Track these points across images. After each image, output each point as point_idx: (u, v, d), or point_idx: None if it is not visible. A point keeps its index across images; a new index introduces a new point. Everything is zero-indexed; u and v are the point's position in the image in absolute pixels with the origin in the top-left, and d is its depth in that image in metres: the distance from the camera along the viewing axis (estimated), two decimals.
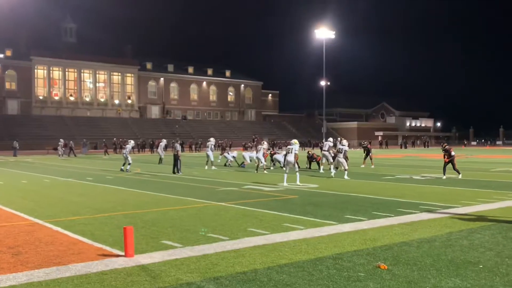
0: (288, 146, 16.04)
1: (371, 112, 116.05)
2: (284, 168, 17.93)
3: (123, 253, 6.29)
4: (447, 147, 18.47)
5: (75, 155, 43.55)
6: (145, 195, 13.07)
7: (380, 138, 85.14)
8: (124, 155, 22.11)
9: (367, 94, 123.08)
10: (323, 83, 72.27)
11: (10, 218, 9.29)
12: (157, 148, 34.09)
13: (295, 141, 16.24)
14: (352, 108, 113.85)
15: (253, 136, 62.92)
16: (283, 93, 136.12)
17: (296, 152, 15.56)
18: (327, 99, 76.85)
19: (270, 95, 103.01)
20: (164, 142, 31.21)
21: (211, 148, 24.00)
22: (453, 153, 18.13)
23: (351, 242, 7.04)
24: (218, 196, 12.52)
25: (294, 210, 10.00)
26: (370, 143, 26.86)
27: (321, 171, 21.89)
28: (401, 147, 73.10)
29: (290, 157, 15.25)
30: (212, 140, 24.94)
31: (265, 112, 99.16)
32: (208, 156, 23.97)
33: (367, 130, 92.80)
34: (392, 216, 9.23)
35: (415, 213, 9.66)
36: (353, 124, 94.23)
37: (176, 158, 20.55)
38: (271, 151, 24.63)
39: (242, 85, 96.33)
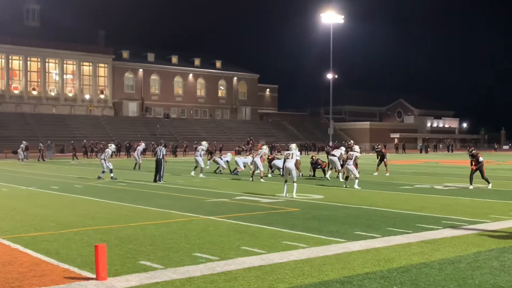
0: (287, 151, 15.98)
1: (386, 110, 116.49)
2: (283, 176, 18.20)
3: (94, 276, 6.27)
4: (474, 152, 18.56)
5: (43, 159, 43.58)
6: (120, 207, 13.04)
7: (396, 140, 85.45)
8: (102, 161, 22.23)
9: (382, 89, 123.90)
10: (329, 76, 72.46)
11: None
12: (134, 151, 34.14)
13: (294, 145, 16.29)
14: (364, 105, 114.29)
15: (248, 138, 63.03)
16: (283, 88, 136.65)
17: (298, 157, 15.53)
18: (335, 95, 77.12)
19: (267, 90, 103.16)
20: (142, 145, 31.20)
21: (200, 154, 24.07)
22: (481, 159, 18.21)
23: (362, 263, 7.03)
24: (206, 209, 12.51)
25: (295, 226, 10.00)
26: (385, 146, 26.96)
27: (328, 178, 21.98)
28: (420, 152, 73.38)
29: (290, 163, 15.15)
30: (204, 144, 25.05)
31: (262, 110, 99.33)
32: (197, 161, 24.01)
33: (381, 132, 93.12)
34: (410, 233, 9.24)
35: (437, 229, 9.68)
36: (365, 125, 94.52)
37: (159, 164, 20.48)
38: (269, 156, 24.64)
39: (235, 78, 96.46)
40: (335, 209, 12.47)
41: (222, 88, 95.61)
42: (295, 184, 15.21)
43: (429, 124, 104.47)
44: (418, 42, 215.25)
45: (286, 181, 15.38)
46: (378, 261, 7.12)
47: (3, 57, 74.51)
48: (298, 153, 20.04)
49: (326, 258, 7.32)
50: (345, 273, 6.48)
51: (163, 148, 21.02)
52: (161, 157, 20.50)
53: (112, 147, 23.12)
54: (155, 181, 20.28)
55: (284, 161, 15.73)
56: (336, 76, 75.04)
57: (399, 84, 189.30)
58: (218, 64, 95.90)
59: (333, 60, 69.99)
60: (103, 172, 22.12)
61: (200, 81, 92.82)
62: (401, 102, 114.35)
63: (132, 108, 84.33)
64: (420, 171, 29.31)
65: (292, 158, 15.30)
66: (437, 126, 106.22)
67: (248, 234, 9.11)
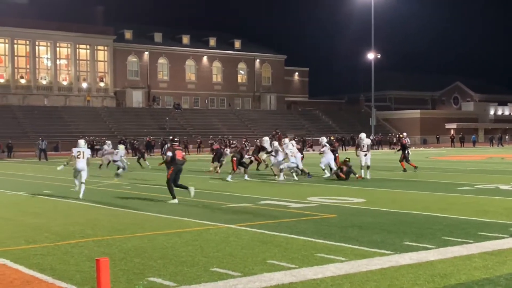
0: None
1: (440, 96, 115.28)
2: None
3: None
4: None
5: (46, 159, 44.30)
6: (125, 214, 13.18)
7: (452, 132, 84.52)
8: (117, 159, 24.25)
9: (434, 71, 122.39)
10: (371, 56, 71.98)
11: None
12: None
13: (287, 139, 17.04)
14: (413, 90, 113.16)
15: (274, 131, 63.04)
16: (314, 71, 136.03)
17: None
18: (377, 79, 76.51)
19: (296, 74, 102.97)
20: (109, 143, 32.03)
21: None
22: None
23: (413, 279, 6.99)
24: (225, 216, 12.57)
25: (331, 235, 9.99)
26: (405, 136, 27.43)
27: (368, 176, 22.01)
28: (474, 145, 72.30)
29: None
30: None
31: (289, 98, 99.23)
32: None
33: (435, 121, 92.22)
34: (471, 243, 9.17)
35: (503, 238, 9.59)
36: (415, 113, 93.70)
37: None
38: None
39: (258, 61, 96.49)
40: (379, 215, 12.42)
41: (242, 72, 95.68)
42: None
43: (492, 112, 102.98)
44: (476, 13, 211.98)
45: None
46: (432, 277, 7.07)
47: None
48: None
49: (369, 273, 7.29)
50: None
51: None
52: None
53: (108, 143, 24.18)
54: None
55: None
56: (379, 56, 74.50)
57: (455, 65, 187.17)
58: (237, 44, 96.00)
59: (375, 38, 69.51)
60: (123, 169, 24.31)
61: (216, 64, 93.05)
62: (458, 86, 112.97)
63: (136, 98, 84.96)
64: (482, 168, 28.98)
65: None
66: (502, 113, 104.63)
67: (275, 245, 9.12)
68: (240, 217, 12.32)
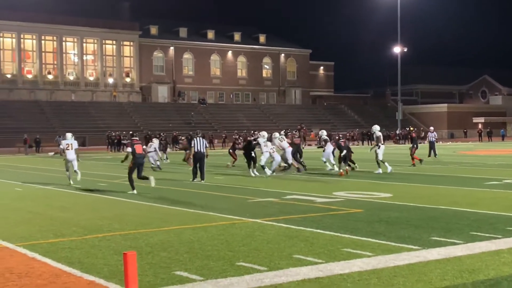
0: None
1: (467, 89, 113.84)
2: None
3: None
4: None
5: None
6: (151, 208, 13.28)
7: (480, 126, 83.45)
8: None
9: (461, 64, 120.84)
10: (397, 50, 71.40)
11: None
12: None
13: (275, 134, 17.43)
14: (440, 84, 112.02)
15: (299, 126, 62.92)
16: (340, 65, 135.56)
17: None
18: (404, 73, 75.91)
19: (321, 68, 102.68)
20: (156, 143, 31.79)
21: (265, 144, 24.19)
22: None
23: (440, 274, 6.95)
24: (251, 210, 12.59)
25: (358, 230, 9.96)
26: (415, 130, 27.66)
27: (388, 169, 22.16)
28: (502, 139, 71.38)
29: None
30: (263, 135, 24.26)
31: (315, 92, 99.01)
32: (272, 156, 24.18)
33: (462, 115, 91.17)
34: (499, 238, 9.08)
35: None
36: (442, 107, 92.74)
37: (201, 159, 20.20)
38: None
39: (283, 55, 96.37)
40: (407, 210, 12.35)
41: (267, 67, 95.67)
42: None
43: None
44: (505, 4, 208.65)
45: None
46: (460, 272, 7.02)
47: (14, 36, 76.72)
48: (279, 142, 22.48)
49: (397, 268, 7.26)
50: (421, 287, 6.43)
51: (203, 139, 20.70)
52: (202, 150, 20.19)
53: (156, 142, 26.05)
54: (194, 179, 20.18)
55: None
56: (406, 50, 73.86)
57: (482, 57, 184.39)
58: (262, 38, 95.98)
59: (401, 31, 68.91)
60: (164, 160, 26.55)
61: (241, 59, 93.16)
62: (486, 79, 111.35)
63: (162, 93, 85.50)
64: (511, 162, 28.57)
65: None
66: None
67: (301, 240, 9.12)
68: (266, 212, 12.32)
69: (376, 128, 23.46)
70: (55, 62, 79.62)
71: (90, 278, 7.02)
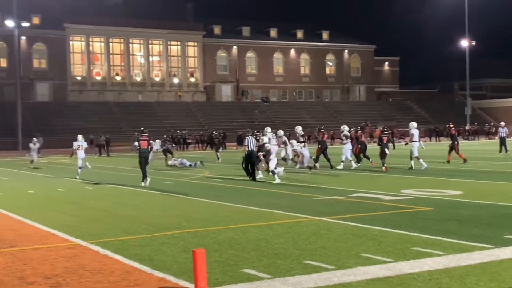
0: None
1: None
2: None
3: (192, 286, 6.51)
4: None
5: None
6: (217, 206, 13.43)
7: None
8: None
9: None
10: (465, 43, 69.54)
11: (46, 238, 9.98)
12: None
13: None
14: (510, 78, 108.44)
15: (364, 123, 62.23)
16: (405, 60, 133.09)
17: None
18: (472, 67, 73.85)
19: (386, 63, 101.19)
20: (157, 142, 31.93)
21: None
22: None
23: None
24: (316, 208, 12.55)
25: (427, 228, 9.80)
26: (453, 127, 27.02)
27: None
28: None
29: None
30: (345, 128, 24.90)
31: (379, 88, 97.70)
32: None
33: None
34: None
35: None
36: None
37: (252, 157, 20.32)
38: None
39: (346, 51, 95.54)
40: (478, 208, 12.09)
41: (331, 63, 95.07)
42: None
43: None
44: None
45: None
46: None
47: (83, 39, 79.07)
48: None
49: (469, 267, 7.14)
50: (494, 286, 6.32)
51: (253, 138, 20.86)
52: (252, 148, 20.36)
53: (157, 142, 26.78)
54: (250, 176, 20.33)
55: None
56: (474, 43, 71.83)
57: None
58: (325, 35, 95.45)
59: (469, 24, 67.03)
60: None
61: (304, 56, 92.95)
62: None
63: (226, 92, 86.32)
64: None
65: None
66: None
67: (369, 239, 9.04)
68: (332, 210, 12.26)
69: (413, 125, 23.41)
70: (122, 64, 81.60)
71: (160, 275, 7.16)
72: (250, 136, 20.76)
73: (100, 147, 46.31)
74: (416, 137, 22.76)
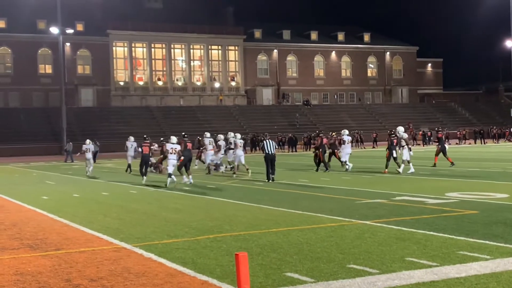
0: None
1: None
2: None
3: None
4: None
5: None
6: (259, 209, 13.43)
7: None
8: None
9: None
10: (509, 43, 68.17)
11: (91, 241, 10.14)
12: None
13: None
14: None
15: (407, 125, 61.57)
16: (448, 61, 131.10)
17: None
18: None
19: (429, 65, 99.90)
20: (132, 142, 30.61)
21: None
22: None
23: None
24: (359, 212, 12.46)
25: (474, 232, 9.64)
26: (442, 130, 27.43)
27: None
28: None
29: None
30: (401, 130, 23.86)
31: (422, 90, 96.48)
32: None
33: None
34: None
35: None
36: None
37: (272, 160, 21.15)
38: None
39: (388, 53, 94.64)
40: None
41: (372, 66, 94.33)
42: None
43: None
44: None
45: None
46: None
47: (125, 45, 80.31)
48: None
49: None
50: None
51: (271, 141, 21.58)
52: (272, 151, 21.03)
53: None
54: (269, 179, 20.83)
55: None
56: None
57: None
58: (366, 37, 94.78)
59: None
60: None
61: (345, 59, 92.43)
62: None
63: (266, 96, 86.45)
64: None
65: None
66: None
67: (414, 243, 8.93)
68: (375, 213, 12.15)
69: (400, 129, 23.62)
70: (164, 69, 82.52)
71: (203, 278, 7.19)
72: (268, 140, 21.73)
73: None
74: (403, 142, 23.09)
